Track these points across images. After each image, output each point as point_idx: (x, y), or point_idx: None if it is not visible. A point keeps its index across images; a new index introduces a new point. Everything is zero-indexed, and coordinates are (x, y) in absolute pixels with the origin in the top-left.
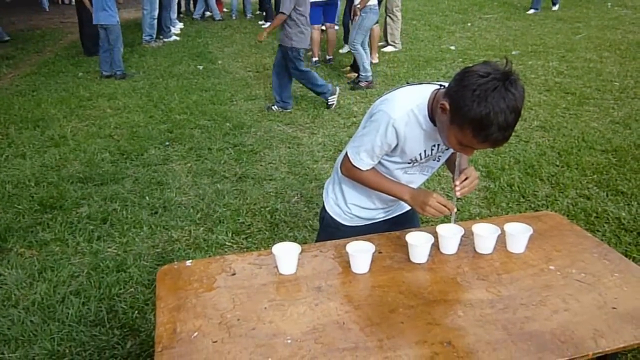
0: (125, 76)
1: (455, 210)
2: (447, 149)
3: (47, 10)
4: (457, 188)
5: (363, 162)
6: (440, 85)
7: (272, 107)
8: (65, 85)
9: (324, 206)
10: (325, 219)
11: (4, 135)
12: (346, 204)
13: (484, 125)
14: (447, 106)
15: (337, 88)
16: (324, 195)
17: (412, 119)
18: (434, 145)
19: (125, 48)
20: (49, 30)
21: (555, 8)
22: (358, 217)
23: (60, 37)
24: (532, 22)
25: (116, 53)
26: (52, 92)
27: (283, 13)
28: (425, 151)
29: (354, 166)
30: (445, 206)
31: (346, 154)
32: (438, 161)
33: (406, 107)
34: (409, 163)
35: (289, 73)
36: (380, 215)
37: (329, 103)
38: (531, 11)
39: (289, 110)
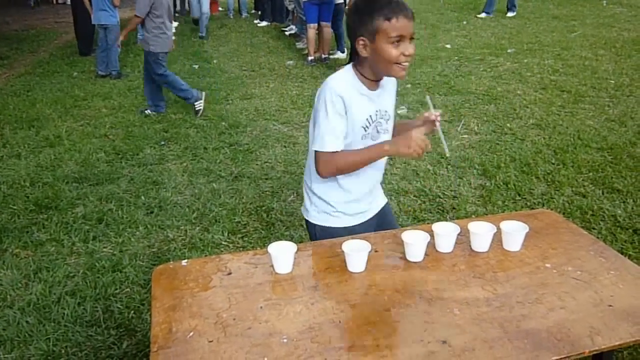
0: (120, 76)
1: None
2: (388, 118)
3: (32, 7)
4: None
5: (331, 144)
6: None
7: (146, 111)
8: (60, 85)
9: (309, 224)
10: (316, 234)
11: None
12: (328, 204)
13: (372, 5)
14: (361, 37)
15: (204, 93)
16: (305, 215)
17: (349, 85)
18: (377, 110)
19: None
20: (43, 30)
21: (511, 14)
22: (345, 214)
23: (55, 37)
24: (527, 20)
25: (113, 53)
26: (47, 92)
27: (137, 16)
28: (370, 116)
29: (326, 153)
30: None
31: (315, 155)
32: (385, 133)
33: (340, 78)
34: (362, 134)
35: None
36: (365, 207)
37: (196, 109)
38: (482, 15)
39: (162, 113)
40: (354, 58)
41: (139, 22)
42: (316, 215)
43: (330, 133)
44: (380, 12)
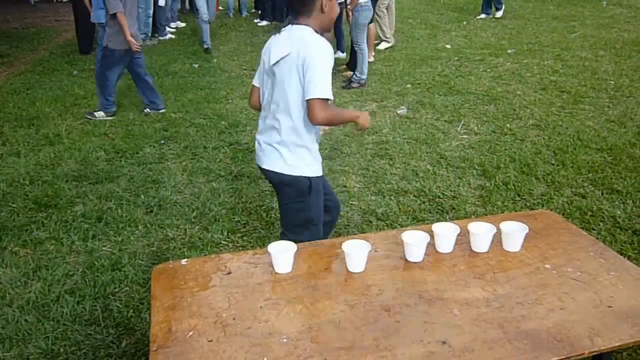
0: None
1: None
2: None
3: (33, 5)
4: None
5: (330, 92)
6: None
7: (145, 110)
8: (60, 84)
9: (299, 179)
10: (311, 187)
11: None
12: (313, 154)
13: None
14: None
15: (114, 109)
16: (291, 172)
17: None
18: None
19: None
20: (43, 29)
21: (499, 14)
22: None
23: (55, 35)
24: (527, 20)
25: None
26: (47, 90)
27: (118, 13)
28: None
29: (325, 101)
30: None
31: (315, 100)
32: None
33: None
34: None
35: (140, 74)
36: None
37: (94, 113)
38: (482, 16)
39: (161, 110)
40: (293, 15)
41: (123, 18)
42: (310, 167)
43: (329, 83)
44: None
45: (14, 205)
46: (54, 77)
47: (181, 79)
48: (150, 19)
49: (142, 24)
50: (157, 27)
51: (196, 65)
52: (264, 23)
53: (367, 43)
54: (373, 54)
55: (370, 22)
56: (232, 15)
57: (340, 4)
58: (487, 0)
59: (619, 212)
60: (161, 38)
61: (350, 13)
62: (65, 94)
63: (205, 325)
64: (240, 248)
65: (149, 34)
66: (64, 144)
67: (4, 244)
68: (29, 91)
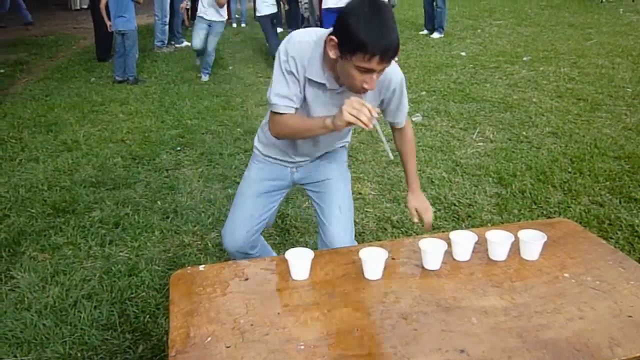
0: (137, 81)
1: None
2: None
3: (32, 22)
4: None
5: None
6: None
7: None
8: (78, 90)
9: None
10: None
11: (17, 140)
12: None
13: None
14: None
15: None
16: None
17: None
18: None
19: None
20: (62, 36)
21: (435, 36)
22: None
23: (73, 42)
24: (543, 28)
25: (130, 58)
26: (65, 97)
27: None
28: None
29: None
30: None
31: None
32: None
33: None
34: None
35: None
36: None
37: None
38: (425, 31)
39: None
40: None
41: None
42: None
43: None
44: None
45: (32, 211)
46: (72, 84)
47: (197, 86)
48: (167, 26)
49: (159, 32)
50: (173, 35)
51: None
52: (279, 29)
53: None
54: None
55: None
56: (246, 24)
57: None
58: (430, 16)
59: (637, 221)
60: (177, 45)
61: None
62: (83, 101)
63: (223, 331)
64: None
65: (165, 42)
66: (81, 150)
67: (23, 248)
68: (48, 98)
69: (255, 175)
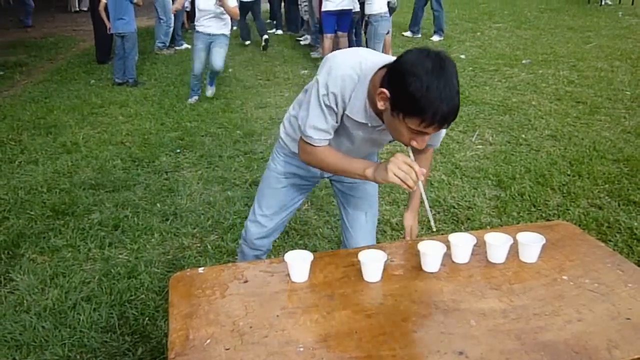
0: (137, 84)
1: (422, 178)
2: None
3: (31, 25)
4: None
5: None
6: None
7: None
8: (78, 93)
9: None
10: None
11: (17, 142)
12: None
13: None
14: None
15: None
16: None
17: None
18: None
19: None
20: (61, 38)
21: (435, 39)
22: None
23: (73, 44)
24: (542, 31)
25: (130, 61)
26: (65, 99)
27: None
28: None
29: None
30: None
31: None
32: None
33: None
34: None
35: None
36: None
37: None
38: (408, 33)
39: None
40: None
41: None
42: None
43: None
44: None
45: (31, 213)
46: (71, 86)
47: None
48: (171, 29)
49: (162, 34)
50: (173, 37)
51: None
52: (279, 32)
53: (383, 52)
54: None
55: (387, 33)
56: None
57: (355, 13)
58: (417, 18)
59: (636, 224)
60: (177, 48)
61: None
62: (82, 103)
63: (222, 334)
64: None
65: (167, 43)
66: (81, 152)
67: (22, 251)
68: (47, 100)
69: (283, 169)
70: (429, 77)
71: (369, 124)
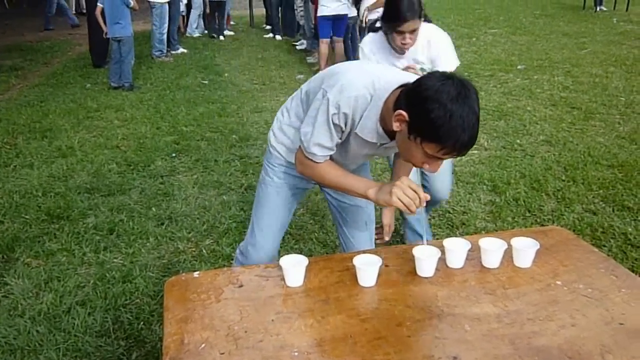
0: (132, 88)
1: (424, 205)
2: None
3: (78, 24)
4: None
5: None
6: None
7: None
8: (73, 97)
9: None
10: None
11: (12, 146)
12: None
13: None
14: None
15: None
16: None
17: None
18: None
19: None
20: (57, 42)
21: None
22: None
23: (69, 48)
24: (537, 37)
25: (126, 65)
26: (60, 103)
27: None
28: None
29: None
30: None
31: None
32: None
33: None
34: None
35: None
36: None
37: None
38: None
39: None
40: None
41: None
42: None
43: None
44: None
45: (26, 217)
46: (67, 90)
47: (192, 92)
48: (165, 35)
49: (156, 41)
50: (169, 42)
51: (205, 82)
52: (278, 37)
53: None
54: None
55: None
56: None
57: (350, 18)
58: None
59: (630, 229)
60: (173, 52)
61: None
62: (78, 107)
63: (217, 338)
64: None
65: (164, 51)
66: (76, 156)
67: (17, 255)
68: (43, 104)
69: (280, 182)
70: (452, 105)
71: (378, 143)
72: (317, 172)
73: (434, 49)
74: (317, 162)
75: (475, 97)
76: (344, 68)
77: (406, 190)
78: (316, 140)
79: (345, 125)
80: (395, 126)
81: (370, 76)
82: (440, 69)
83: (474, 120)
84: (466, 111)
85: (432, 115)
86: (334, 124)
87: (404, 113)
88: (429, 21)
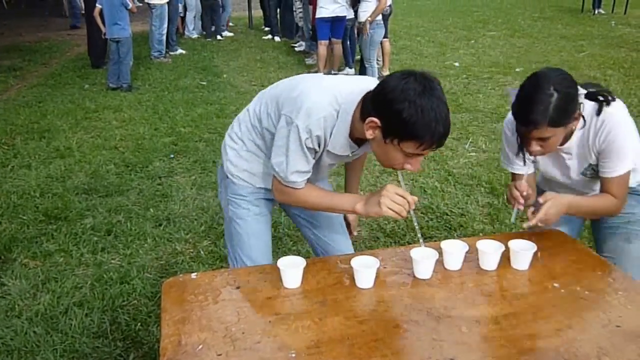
0: (131, 89)
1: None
2: None
3: (79, 26)
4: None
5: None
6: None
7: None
8: (72, 97)
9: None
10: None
11: (10, 146)
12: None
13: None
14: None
15: None
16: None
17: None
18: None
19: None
20: (56, 42)
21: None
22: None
23: (67, 49)
24: (535, 39)
25: (125, 66)
26: (59, 103)
27: None
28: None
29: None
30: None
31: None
32: None
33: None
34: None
35: None
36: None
37: None
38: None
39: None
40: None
41: None
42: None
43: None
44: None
45: (24, 217)
46: (65, 91)
47: (191, 93)
48: (164, 36)
49: (155, 42)
50: (168, 43)
51: (204, 83)
52: (277, 39)
53: (383, 58)
54: (387, 68)
55: (385, 37)
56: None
57: (349, 20)
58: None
59: None
60: (172, 53)
61: (367, 28)
62: (76, 108)
63: (214, 339)
64: None
65: (163, 52)
66: (74, 157)
67: (14, 255)
68: (41, 104)
69: (258, 209)
70: (421, 100)
71: (350, 155)
72: (299, 198)
73: (603, 142)
74: (297, 188)
75: (440, 87)
76: (303, 89)
77: (394, 197)
78: (293, 168)
79: (319, 146)
80: (369, 134)
81: (332, 92)
82: (605, 173)
83: (445, 110)
84: (435, 103)
85: (404, 115)
86: (307, 148)
87: (375, 119)
88: (612, 100)
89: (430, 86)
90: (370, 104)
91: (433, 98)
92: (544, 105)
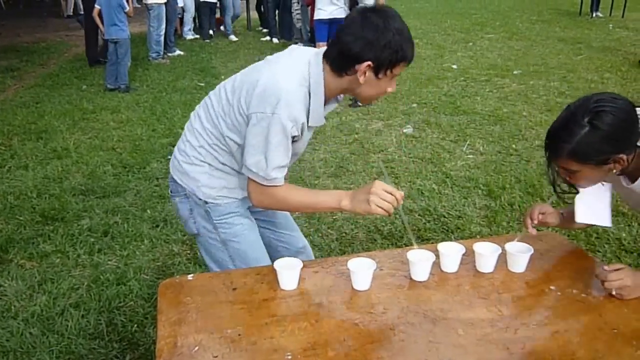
0: (129, 90)
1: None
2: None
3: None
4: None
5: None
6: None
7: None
8: (69, 98)
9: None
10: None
11: (7, 147)
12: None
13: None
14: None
15: None
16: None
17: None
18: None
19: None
20: (53, 43)
21: None
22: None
23: (65, 50)
24: (533, 42)
25: (123, 67)
26: (56, 104)
27: None
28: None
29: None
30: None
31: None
32: None
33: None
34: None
35: None
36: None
37: None
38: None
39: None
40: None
41: None
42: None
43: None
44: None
45: (21, 218)
46: (63, 92)
47: (189, 95)
48: (162, 37)
49: (153, 43)
50: (166, 44)
51: (202, 84)
52: (275, 40)
53: None
54: None
55: None
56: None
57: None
58: None
59: (624, 235)
60: (170, 54)
61: None
62: (74, 108)
63: (210, 341)
64: None
65: (161, 53)
66: (71, 157)
67: (10, 256)
68: (38, 105)
69: (248, 220)
70: (392, 23)
71: (325, 120)
72: (280, 199)
73: None
74: (277, 186)
75: (390, 9)
76: (266, 82)
77: (383, 195)
78: (274, 164)
79: (302, 132)
80: (361, 79)
81: (299, 71)
82: None
83: (406, 26)
84: (400, 23)
85: (391, 43)
86: (291, 136)
87: (368, 63)
88: None
89: (388, 13)
90: (350, 54)
91: (397, 20)
92: (570, 135)
